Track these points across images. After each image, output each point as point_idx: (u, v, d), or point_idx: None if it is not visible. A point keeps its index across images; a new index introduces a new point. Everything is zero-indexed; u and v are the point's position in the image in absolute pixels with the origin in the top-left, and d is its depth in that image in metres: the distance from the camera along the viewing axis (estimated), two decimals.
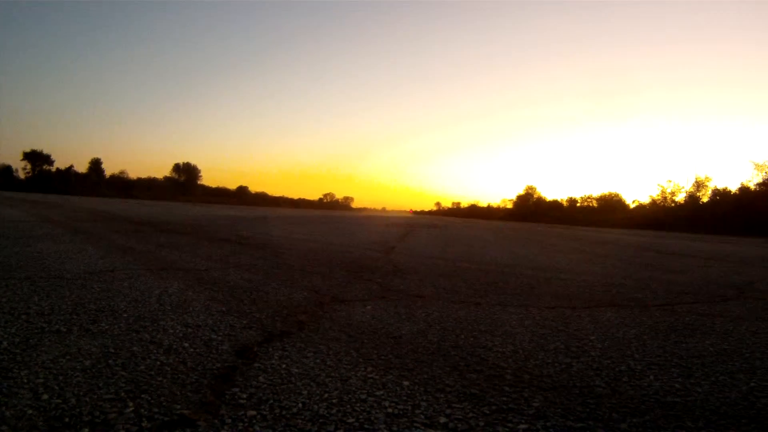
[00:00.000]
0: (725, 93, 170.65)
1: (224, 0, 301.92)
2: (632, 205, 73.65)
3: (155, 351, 2.05)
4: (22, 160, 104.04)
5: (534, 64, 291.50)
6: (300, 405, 1.57)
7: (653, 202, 65.04)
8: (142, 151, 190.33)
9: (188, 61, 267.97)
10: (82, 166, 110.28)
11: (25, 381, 1.65)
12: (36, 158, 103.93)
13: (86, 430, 1.35)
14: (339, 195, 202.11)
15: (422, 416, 1.55)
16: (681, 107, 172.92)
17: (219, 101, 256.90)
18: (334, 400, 1.63)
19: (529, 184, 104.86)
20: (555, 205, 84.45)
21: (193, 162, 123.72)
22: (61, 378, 1.69)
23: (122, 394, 1.58)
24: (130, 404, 1.51)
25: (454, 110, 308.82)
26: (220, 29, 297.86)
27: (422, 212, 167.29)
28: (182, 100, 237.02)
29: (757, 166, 45.09)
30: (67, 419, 1.39)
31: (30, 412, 1.43)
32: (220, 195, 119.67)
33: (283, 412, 1.51)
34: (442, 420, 1.53)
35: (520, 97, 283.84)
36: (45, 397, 1.53)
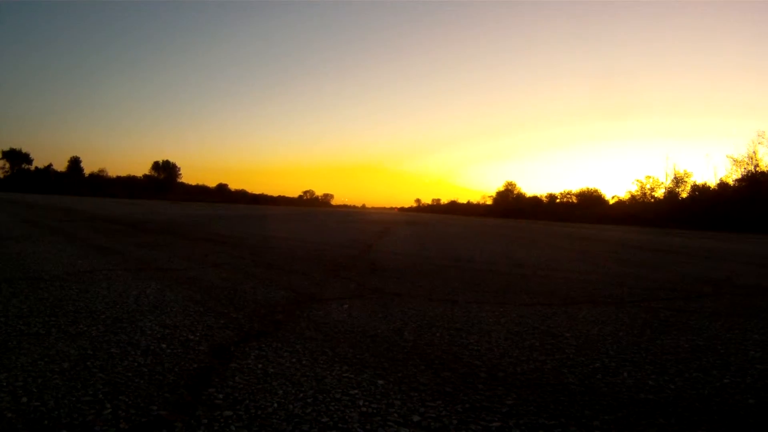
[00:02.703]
0: (706, 88, 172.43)
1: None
2: (612, 201, 74.28)
3: (133, 352, 2.07)
4: (1, 159, 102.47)
5: (510, 63, 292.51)
6: (275, 405, 1.60)
7: (632, 198, 65.59)
8: (121, 149, 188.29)
9: (166, 58, 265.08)
10: (61, 165, 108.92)
11: (5, 384, 1.66)
12: (15, 157, 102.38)
13: None
14: (319, 192, 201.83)
15: (396, 415, 1.58)
16: (660, 102, 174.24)
17: (198, 98, 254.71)
18: (309, 400, 1.65)
19: (509, 180, 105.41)
20: (535, 201, 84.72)
21: (172, 160, 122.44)
22: (40, 381, 1.71)
23: (100, 396, 1.61)
24: (108, 406, 1.53)
25: (433, 106, 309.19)
26: (199, 26, 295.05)
27: (403, 209, 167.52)
28: (162, 97, 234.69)
29: (736, 162, 45.60)
30: (46, 422, 1.41)
31: (9, 415, 1.45)
32: (200, 193, 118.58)
33: (259, 412, 1.54)
34: (416, 418, 1.56)
35: (499, 94, 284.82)
36: (24, 400, 1.55)
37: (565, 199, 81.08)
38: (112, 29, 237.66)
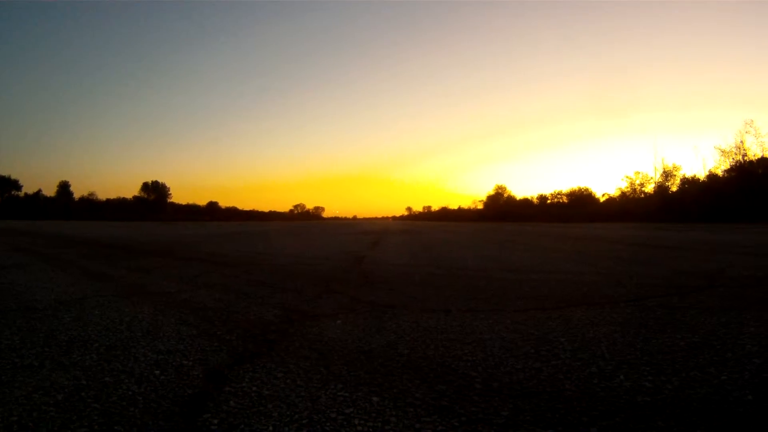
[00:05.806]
0: (691, 81, 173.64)
1: (194, 7, 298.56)
2: (602, 199, 74.69)
3: (127, 380, 2.06)
4: None
5: (495, 67, 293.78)
6: (270, 428, 1.61)
7: (623, 194, 66.00)
8: (110, 172, 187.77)
9: (152, 78, 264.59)
10: (50, 190, 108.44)
11: (0, 419, 1.67)
12: (3, 184, 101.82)
13: None
14: (310, 205, 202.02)
15: None
16: (647, 97, 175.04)
17: (186, 117, 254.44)
18: (304, 421, 1.66)
19: (499, 183, 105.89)
20: (526, 203, 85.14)
21: (161, 180, 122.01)
22: (35, 414, 1.71)
23: (96, 427, 1.61)
24: None
25: (419, 113, 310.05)
26: (184, 46, 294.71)
27: (395, 218, 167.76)
28: (149, 118, 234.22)
29: (724, 152, 46.08)
30: None
31: None
32: (191, 212, 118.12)
33: None
34: None
35: (485, 98, 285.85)
36: None
37: (555, 200, 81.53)
38: (97, 52, 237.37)
